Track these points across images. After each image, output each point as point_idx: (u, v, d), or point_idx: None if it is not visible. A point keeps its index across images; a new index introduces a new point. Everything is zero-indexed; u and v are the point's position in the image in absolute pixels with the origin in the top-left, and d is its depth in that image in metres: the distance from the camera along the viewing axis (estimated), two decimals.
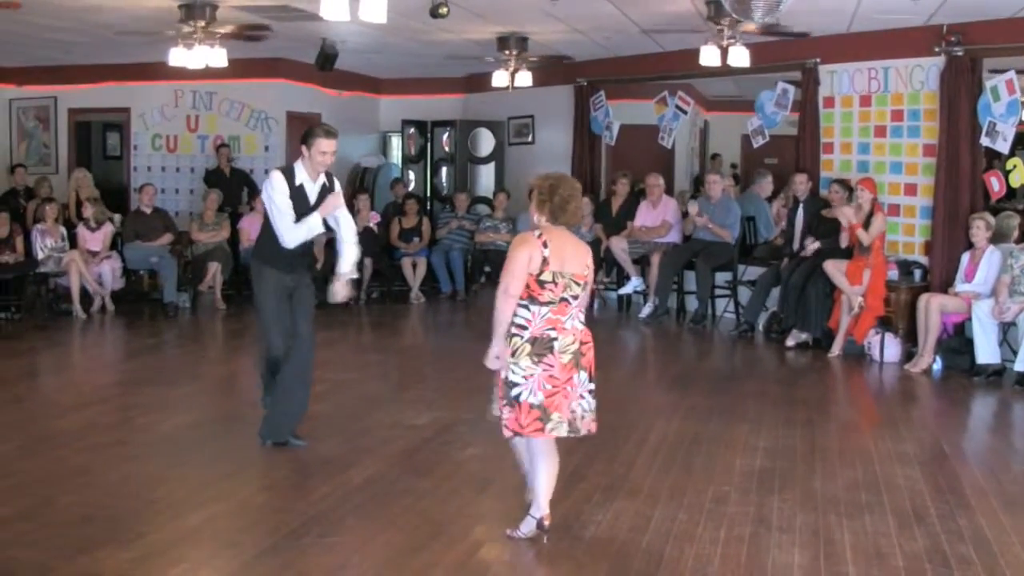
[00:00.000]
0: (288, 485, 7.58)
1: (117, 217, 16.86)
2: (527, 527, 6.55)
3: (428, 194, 20.98)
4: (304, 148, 8.26)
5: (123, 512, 6.84)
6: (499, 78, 16.10)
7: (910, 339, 12.62)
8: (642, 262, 15.92)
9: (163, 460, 8.16)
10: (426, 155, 21.11)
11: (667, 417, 9.21)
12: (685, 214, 15.77)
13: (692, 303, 15.19)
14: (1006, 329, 11.82)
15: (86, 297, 15.20)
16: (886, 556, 6.28)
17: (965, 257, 12.35)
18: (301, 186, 8.32)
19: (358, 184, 20.09)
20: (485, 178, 20.77)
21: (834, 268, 12.91)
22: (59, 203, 16.37)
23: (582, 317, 6.63)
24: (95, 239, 15.66)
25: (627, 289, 16.08)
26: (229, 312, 15.92)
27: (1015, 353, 11.45)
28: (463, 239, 18.06)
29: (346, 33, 15.25)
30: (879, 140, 14.05)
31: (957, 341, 12.24)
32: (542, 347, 6.43)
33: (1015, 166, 12.61)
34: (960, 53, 12.77)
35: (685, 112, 17.21)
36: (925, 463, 8.38)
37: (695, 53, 13.16)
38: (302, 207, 8.34)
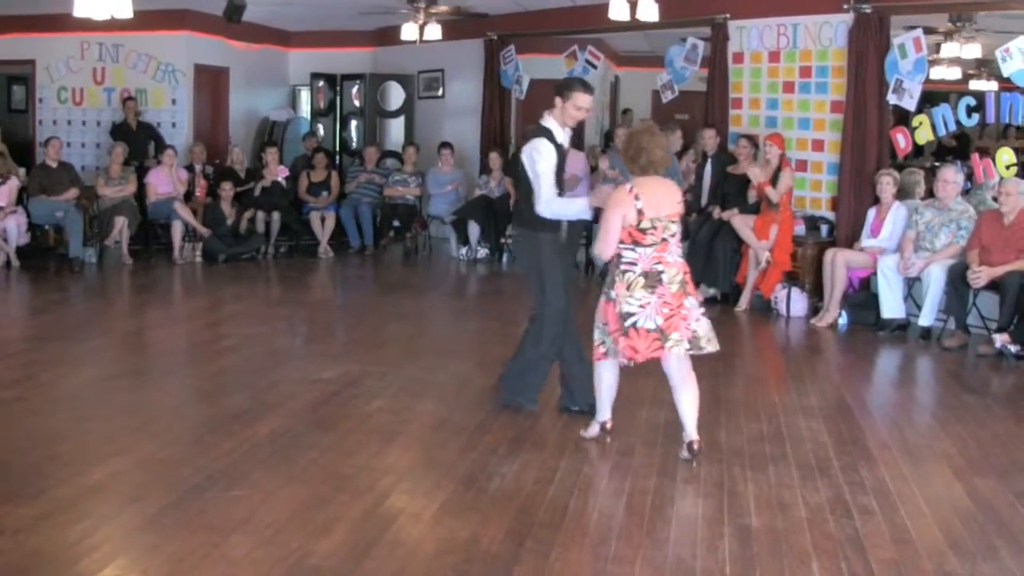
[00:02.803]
0: (192, 440, 7.49)
1: (22, 171, 16.60)
2: (591, 430, 7.68)
3: (337, 148, 20.83)
4: (559, 99, 8.00)
5: (25, 468, 6.73)
6: (408, 31, 16.01)
7: (816, 294, 12.75)
8: None
9: (66, 415, 8.03)
10: (335, 109, 20.95)
11: None
12: (594, 168, 15.80)
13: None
14: (911, 284, 11.94)
15: None
16: (789, 507, 6.33)
17: (871, 213, 12.47)
18: (560, 145, 8.09)
19: (267, 138, 19.98)
20: (395, 132, 20.71)
21: (741, 223, 13.00)
22: None
23: (680, 250, 7.36)
24: None
25: None
26: (136, 267, 15.73)
27: (919, 308, 11.58)
28: (372, 193, 17.96)
29: None
30: (787, 96, 14.12)
31: (862, 296, 12.38)
32: (653, 279, 7.14)
33: (921, 123, 12.71)
34: (868, 10, 12.85)
35: (595, 67, 17.23)
36: (829, 416, 8.47)
37: (605, 8, 13.14)
38: (558, 165, 8.13)
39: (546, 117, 8.11)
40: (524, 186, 8.12)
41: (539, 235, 8.14)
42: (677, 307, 7.14)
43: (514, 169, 8.45)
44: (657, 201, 7.18)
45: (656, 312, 7.10)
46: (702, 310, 7.30)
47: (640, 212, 7.11)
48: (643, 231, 7.14)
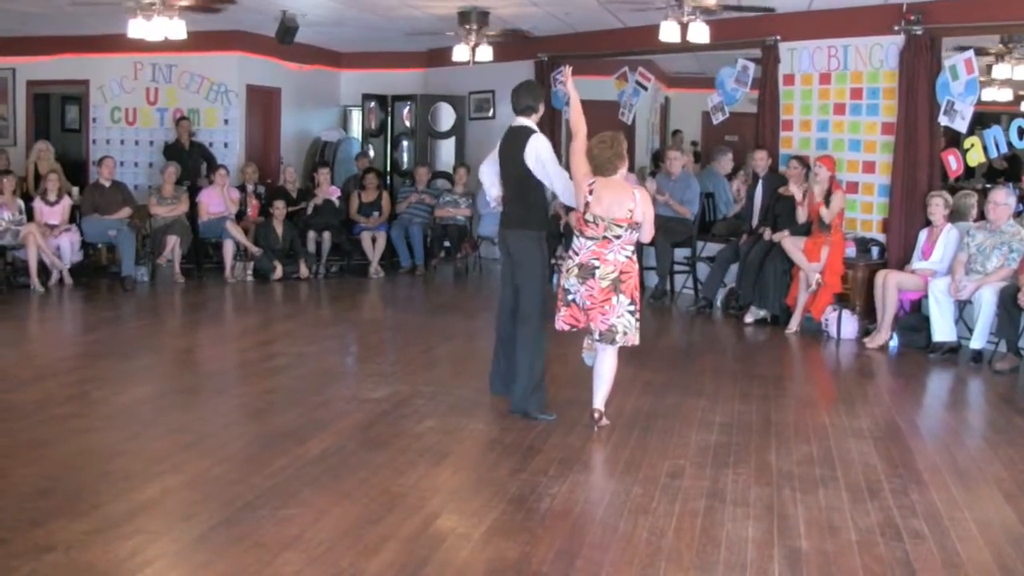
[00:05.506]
0: (244, 458, 7.54)
1: (75, 190, 16.78)
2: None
3: (388, 168, 20.90)
4: (542, 105, 8.97)
5: (78, 484, 6.80)
6: (460, 52, 16.02)
7: (867, 316, 12.70)
8: None
9: (119, 432, 8.12)
10: (386, 129, 21.03)
11: (624, 391, 9.20)
12: None
13: (651, 278, 15.15)
14: (962, 307, 11.89)
15: (44, 270, 15.09)
16: (839, 530, 6.31)
17: (923, 235, 12.42)
18: None
19: (318, 158, 20.06)
20: (445, 153, 20.80)
21: (792, 245, 12.96)
22: (17, 176, 16.23)
23: (629, 251, 8.14)
24: (53, 212, 15.55)
25: None
26: (187, 285, 15.88)
27: (971, 331, 11.52)
28: (423, 214, 18.05)
29: (306, 6, 15.19)
30: (838, 118, 14.09)
31: (914, 318, 12.31)
32: (586, 272, 8.12)
33: (972, 145, 12.66)
34: (920, 32, 12.81)
35: (645, 88, 17.25)
36: (880, 438, 8.43)
37: (655, 29, 13.13)
38: None
39: (525, 122, 8.79)
40: (529, 189, 8.69)
41: (541, 235, 8.80)
42: (601, 301, 8.09)
43: (513, 172, 8.68)
44: (606, 202, 8.02)
45: (585, 297, 8.16)
46: (631, 308, 8.15)
47: (587, 204, 8.04)
48: (587, 222, 8.08)
